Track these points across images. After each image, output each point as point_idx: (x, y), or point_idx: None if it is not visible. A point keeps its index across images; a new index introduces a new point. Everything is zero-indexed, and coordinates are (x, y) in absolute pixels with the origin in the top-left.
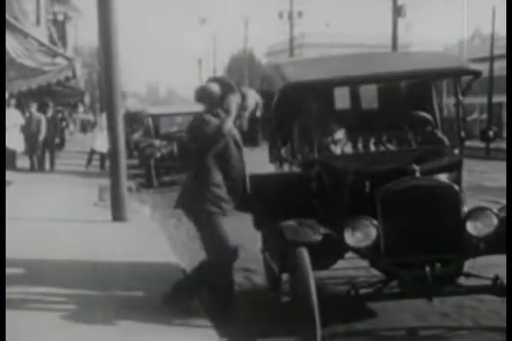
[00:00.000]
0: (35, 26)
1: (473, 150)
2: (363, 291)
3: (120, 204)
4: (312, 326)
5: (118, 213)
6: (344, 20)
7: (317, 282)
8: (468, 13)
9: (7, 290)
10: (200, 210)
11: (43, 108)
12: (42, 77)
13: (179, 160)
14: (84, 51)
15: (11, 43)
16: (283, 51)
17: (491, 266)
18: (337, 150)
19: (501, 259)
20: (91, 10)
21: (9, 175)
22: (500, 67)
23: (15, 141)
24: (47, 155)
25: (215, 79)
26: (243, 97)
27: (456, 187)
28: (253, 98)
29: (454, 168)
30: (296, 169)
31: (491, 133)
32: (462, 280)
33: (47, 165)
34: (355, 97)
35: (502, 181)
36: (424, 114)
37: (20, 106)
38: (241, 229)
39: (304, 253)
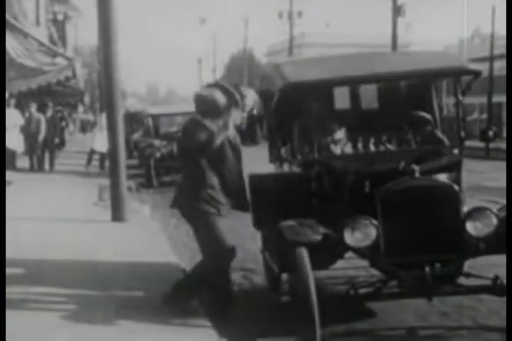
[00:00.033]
0: (35, 26)
1: (473, 150)
2: (362, 291)
3: (120, 204)
4: (312, 326)
5: (118, 213)
6: (344, 20)
7: (317, 282)
8: (468, 13)
9: (7, 290)
10: (196, 210)
11: (42, 108)
12: (42, 77)
13: (179, 160)
14: (84, 51)
15: (11, 43)
16: (283, 51)
17: (490, 266)
18: (337, 150)
19: (501, 259)
20: (91, 9)
21: (9, 175)
22: (500, 66)
23: (14, 141)
24: (46, 155)
25: (218, 86)
26: (242, 97)
27: (456, 187)
28: (252, 98)
29: (454, 168)
30: (296, 169)
31: (490, 133)
32: (462, 280)
33: (46, 165)
34: (355, 97)
35: (502, 181)
36: (423, 113)
37: (20, 106)
38: (240, 229)
39: (304, 253)
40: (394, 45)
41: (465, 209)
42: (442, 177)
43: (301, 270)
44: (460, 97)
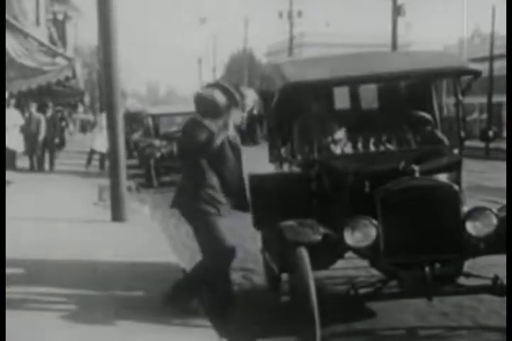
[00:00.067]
0: (35, 26)
1: (473, 150)
2: (362, 291)
3: (120, 204)
4: (312, 326)
5: (118, 213)
6: (344, 20)
7: (317, 282)
8: (468, 12)
9: (7, 290)
10: (196, 210)
11: (42, 108)
12: (42, 77)
13: (179, 160)
14: (84, 51)
15: (11, 43)
16: (283, 51)
17: (490, 265)
18: (337, 150)
19: (501, 259)
20: (91, 9)
21: (9, 175)
22: (500, 66)
23: (14, 141)
24: (46, 155)
25: (218, 87)
26: (242, 97)
27: (456, 187)
28: (252, 98)
29: (454, 167)
30: (295, 169)
31: (490, 133)
32: (462, 280)
33: (46, 165)
34: (354, 97)
35: (501, 181)
36: (423, 113)
37: (20, 106)
38: (240, 229)
39: (304, 253)
40: (394, 45)
41: (465, 209)
42: (442, 177)
43: (301, 270)
44: (460, 97)
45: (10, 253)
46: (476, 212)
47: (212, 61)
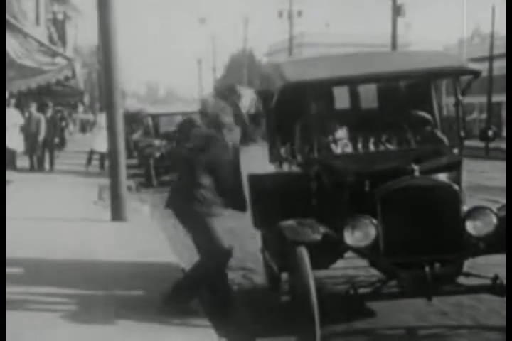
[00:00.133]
0: (35, 26)
1: (473, 149)
2: (362, 291)
3: (120, 204)
4: (311, 325)
5: (118, 213)
6: (344, 20)
7: (317, 281)
8: (468, 12)
9: (7, 290)
10: (190, 211)
11: (42, 108)
12: (41, 77)
13: (174, 160)
14: (83, 51)
15: (11, 43)
16: (283, 51)
17: (490, 265)
18: (337, 149)
19: (501, 259)
20: (90, 9)
21: (9, 174)
22: (500, 66)
23: (14, 140)
24: (46, 155)
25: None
26: (240, 97)
27: (456, 187)
28: (249, 97)
29: (454, 167)
30: (295, 169)
31: (490, 133)
32: (462, 280)
33: (46, 165)
34: (354, 97)
35: (501, 181)
36: (423, 113)
37: (20, 106)
38: (240, 229)
39: (304, 253)
40: (394, 45)
41: (465, 208)
42: (442, 176)
43: (301, 269)
44: (460, 97)
45: (10, 253)
46: (476, 212)
47: (212, 61)
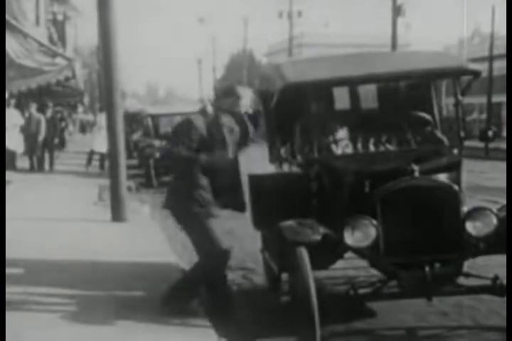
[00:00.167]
0: (35, 26)
1: (473, 150)
2: (362, 291)
3: (120, 204)
4: (311, 326)
5: (118, 213)
6: (343, 20)
7: (317, 282)
8: (468, 12)
9: (7, 290)
10: (187, 212)
11: (42, 108)
12: (41, 77)
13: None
14: (83, 51)
15: (11, 44)
16: (282, 51)
17: (490, 266)
18: (338, 150)
19: (501, 259)
20: (90, 9)
21: (9, 175)
22: (500, 66)
23: (14, 141)
24: (46, 156)
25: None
26: (238, 97)
27: (456, 187)
28: (248, 97)
29: (454, 167)
30: (295, 169)
31: (490, 133)
32: (462, 280)
33: (46, 166)
34: (354, 97)
35: (501, 181)
36: (423, 114)
37: (20, 107)
38: (240, 229)
39: (304, 253)
40: (393, 45)
41: (465, 209)
42: (442, 177)
43: (301, 270)
44: (460, 97)
45: (10, 253)
46: (476, 212)
47: (211, 61)
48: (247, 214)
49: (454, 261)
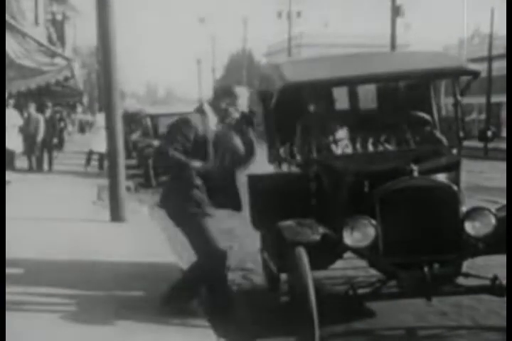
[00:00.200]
0: (34, 26)
1: (472, 150)
2: (361, 291)
3: (119, 205)
4: (310, 326)
5: (117, 213)
6: (343, 20)
7: (316, 282)
8: (468, 13)
9: (7, 290)
10: (183, 212)
11: (41, 108)
12: (41, 77)
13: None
14: (83, 51)
15: (10, 44)
16: (282, 51)
17: (489, 266)
18: (337, 149)
19: (500, 259)
20: (89, 9)
21: (8, 175)
22: (499, 66)
23: (13, 141)
24: (45, 156)
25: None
26: (235, 97)
27: (455, 187)
28: (245, 97)
29: (453, 168)
30: (294, 169)
31: (489, 133)
32: (461, 280)
33: (45, 166)
34: (353, 97)
35: (500, 181)
36: (422, 114)
37: (19, 107)
38: (239, 229)
39: (303, 253)
40: (393, 46)
41: (464, 209)
42: (441, 177)
43: (300, 270)
44: (459, 97)
45: (10, 253)
46: (475, 212)
47: (211, 61)
48: (246, 214)
49: (453, 261)
